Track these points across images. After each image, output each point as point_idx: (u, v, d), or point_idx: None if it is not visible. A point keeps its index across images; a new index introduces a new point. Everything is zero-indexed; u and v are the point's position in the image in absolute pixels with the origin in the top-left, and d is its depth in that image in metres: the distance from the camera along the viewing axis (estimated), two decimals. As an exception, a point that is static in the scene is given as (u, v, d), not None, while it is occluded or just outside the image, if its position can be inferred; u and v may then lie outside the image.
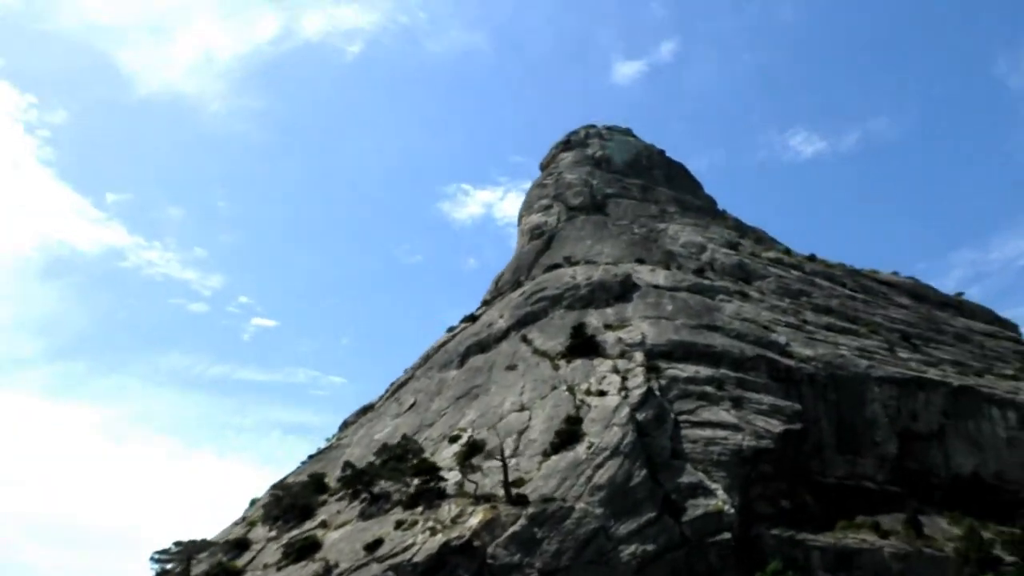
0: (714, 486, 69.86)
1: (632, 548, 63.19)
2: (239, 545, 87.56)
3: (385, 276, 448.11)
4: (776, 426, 77.12)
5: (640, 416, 75.35)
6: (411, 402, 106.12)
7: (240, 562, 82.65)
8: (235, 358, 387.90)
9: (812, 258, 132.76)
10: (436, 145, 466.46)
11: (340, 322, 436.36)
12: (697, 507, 67.59)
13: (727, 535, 65.68)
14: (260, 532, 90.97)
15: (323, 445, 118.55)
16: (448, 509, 69.18)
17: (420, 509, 71.02)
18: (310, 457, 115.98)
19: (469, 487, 72.18)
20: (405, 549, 63.79)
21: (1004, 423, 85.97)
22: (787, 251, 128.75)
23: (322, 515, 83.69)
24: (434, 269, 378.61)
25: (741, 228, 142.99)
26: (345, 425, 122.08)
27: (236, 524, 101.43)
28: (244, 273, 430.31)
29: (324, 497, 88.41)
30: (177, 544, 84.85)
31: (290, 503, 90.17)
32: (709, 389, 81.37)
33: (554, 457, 73.22)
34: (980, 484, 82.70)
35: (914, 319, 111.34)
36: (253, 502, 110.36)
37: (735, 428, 75.51)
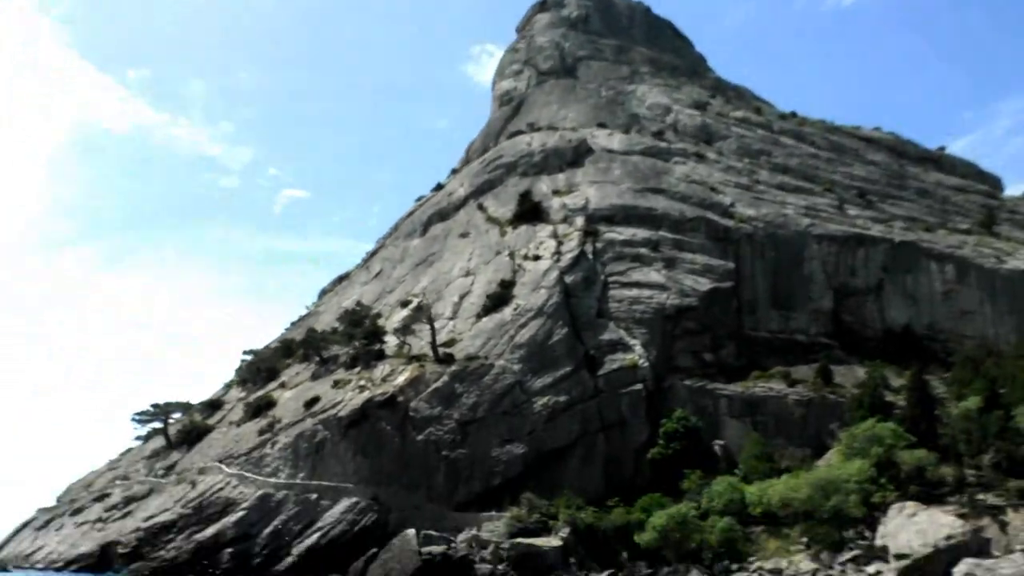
0: (633, 342, 73.51)
1: (545, 399, 67.78)
2: (213, 405, 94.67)
3: (413, 142, 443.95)
4: (704, 284, 79.67)
5: (569, 279, 78.31)
6: (378, 270, 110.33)
7: (212, 420, 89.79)
8: (269, 229, 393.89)
9: (789, 116, 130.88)
10: (457, 4, 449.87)
11: (370, 190, 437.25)
12: (614, 362, 71.58)
13: (639, 386, 69.89)
14: (234, 394, 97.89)
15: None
16: (382, 369, 74.10)
17: (358, 369, 76.12)
18: (292, 324, 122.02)
19: (407, 348, 76.83)
20: (335, 405, 69.16)
21: (941, 277, 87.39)
22: (758, 110, 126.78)
23: (284, 377, 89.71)
24: (460, 132, 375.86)
25: (720, 87, 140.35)
26: (323, 293, 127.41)
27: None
28: (272, 145, 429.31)
29: (289, 361, 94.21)
30: (154, 406, 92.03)
31: (259, 367, 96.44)
32: (644, 251, 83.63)
33: (484, 319, 77.16)
34: (912, 336, 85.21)
35: (878, 175, 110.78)
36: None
37: (661, 288, 78.25)
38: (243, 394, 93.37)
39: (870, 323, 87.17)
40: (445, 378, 68.92)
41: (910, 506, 48.23)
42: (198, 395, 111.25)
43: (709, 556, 55.87)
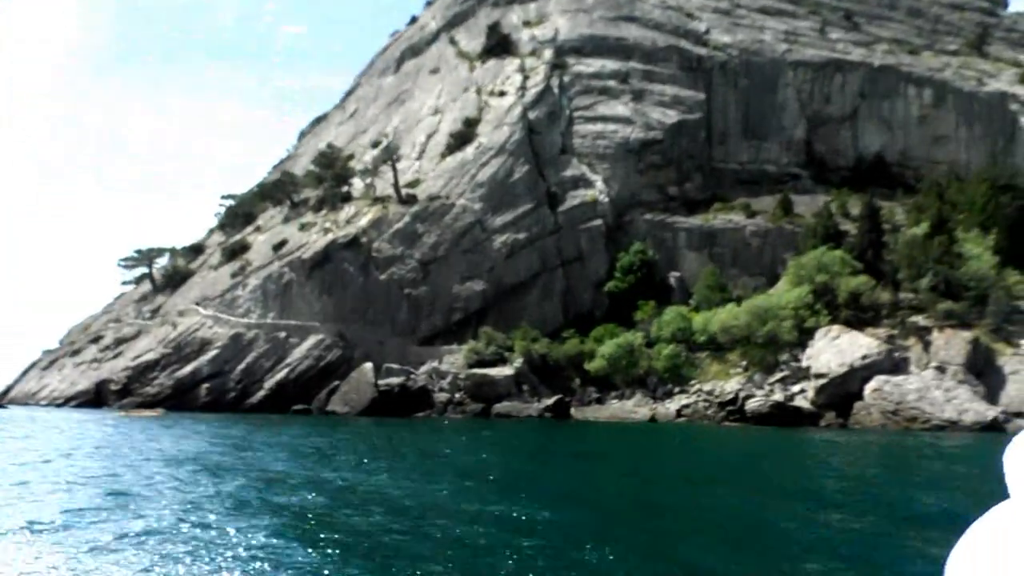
0: (595, 178, 73.71)
1: (504, 237, 69.08)
2: (195, 250, 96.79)
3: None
4: (672, 117, 78.58)
5: (532, 115, 77.36)
6: (353, 110, 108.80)
7: (194, 264, 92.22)
8: (269, 67, 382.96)
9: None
10: None
11: (369, 22, 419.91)
12: (575, 198, 72.17)
13: (599, 222, 70.85)
14: (215, 238, 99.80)
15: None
16: (347, 211, 75.12)
17: (324, 212, 77.19)
18: (274, 167, 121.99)
19: (372, 190, 77.45)
20: (300, 248, 70.84)
21: (919, 101, 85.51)
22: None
23: (260, 221, 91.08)
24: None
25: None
26: (302, 135, 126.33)
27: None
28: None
29: (265, 205, 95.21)
30: (138, 251, 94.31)
31: (236, 212, 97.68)
32: (612, 83, 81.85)
33: (448, 159, 77.08)
34: (883, 164, 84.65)
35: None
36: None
37: (627, 121, 77.33)
38: (223, 238, 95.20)
39: (843, 152, 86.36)
40: (407, 218, 70.01)
41: (835, 329, 50.24)
42: (190, 240, 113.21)
43: (654, 381, 59.08)
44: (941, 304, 53.09)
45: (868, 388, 44.59)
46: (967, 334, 49.86)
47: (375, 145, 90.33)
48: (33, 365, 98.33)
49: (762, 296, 58.52)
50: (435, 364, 62.99)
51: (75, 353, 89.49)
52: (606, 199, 71.47)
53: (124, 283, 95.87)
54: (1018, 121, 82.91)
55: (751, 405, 46.69)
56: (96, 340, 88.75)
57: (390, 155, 75.38)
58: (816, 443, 36.85)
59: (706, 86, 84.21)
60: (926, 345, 50.76)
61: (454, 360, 62.96)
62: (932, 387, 43.88)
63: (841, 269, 58.83)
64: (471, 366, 61.67)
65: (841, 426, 44.87)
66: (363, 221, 70.94)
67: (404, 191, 73.69)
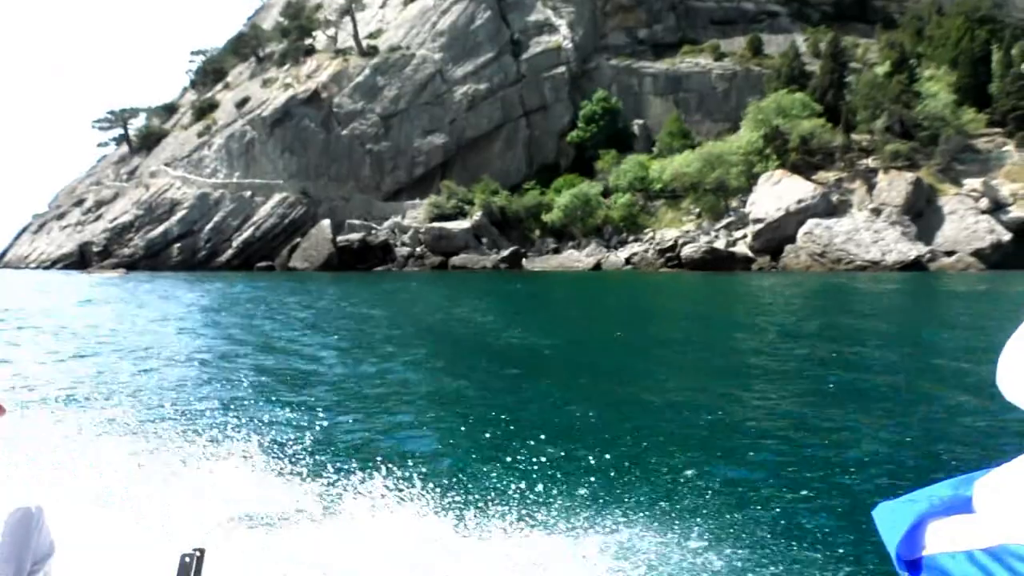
0: (559, 22, 71.55)
1: (465, 88, 68.16)
2: (169, 109, 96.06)
3: None
4: (638, -46, 74.98)
5: (495, -44, 74.05)
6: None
7: (168, 124, 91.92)
8: None
9: None
10: None
11: None
12: (539, 44, 70.45)
13: (562, 69, 69.51)
14: (189, 97, 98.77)
15: None
16: (309, 66, 73.84)
17: (287, 67, 75.90)
18: (248, 20, 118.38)
19: (333, 42, 75.72)
20: (261, 105, 70.36)
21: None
22: None
23: (229, 78, 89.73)
24: None
25: None
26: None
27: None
28: None
29: (235, 61, 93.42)
30: (111, 112, 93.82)
31: (207, 68, 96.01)
32: (580, -82, 77.54)
33: (410, 6, 74.72)
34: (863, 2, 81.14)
35: None
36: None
37: (593, -40, 73.96)
38: (195, 96, 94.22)
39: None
40: (367, 72, 68.96)
41: (777, 174, 50.47)
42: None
43: (609, 231, 60.09)
44: (890, 145, 52.87)
45: (801, 231, 45.41)
46: (910, 175, 49.99)
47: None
48: (25, 229, 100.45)
49: (711, 143, 58.29)
50: (398, 219, 64.09)
51: (61, 217, 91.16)
52: (570, 45, 69.75)
53: (99, 145, 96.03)
54: (1010, -54, 78.40)
55: (686, 251, 47.88)
56: (79, 203, 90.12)
57: (350, 3, 73.11)
58: (738, 285, 38.18)
59: (681, -82, 79.64)
60: (871, 187, 51.04)
61: (416, 215, 63.98)
62: (862, 229, 44.66)
63: (800, 112, 58.14)
64: (432, 220, 62.74)
65: (772, 269, 46.09)
66: (323, 76, 69.99)
67: (366, 43, 72.10)
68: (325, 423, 7.94)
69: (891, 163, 51.79)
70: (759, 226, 47.74)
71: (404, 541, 5.15)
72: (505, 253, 58.14)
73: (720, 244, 49.42)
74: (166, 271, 63.43)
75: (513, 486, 6.37)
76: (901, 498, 0.78)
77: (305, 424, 7.24)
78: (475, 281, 46.45)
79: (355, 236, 60.48)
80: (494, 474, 6.74)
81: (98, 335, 20.20)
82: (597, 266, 54.05)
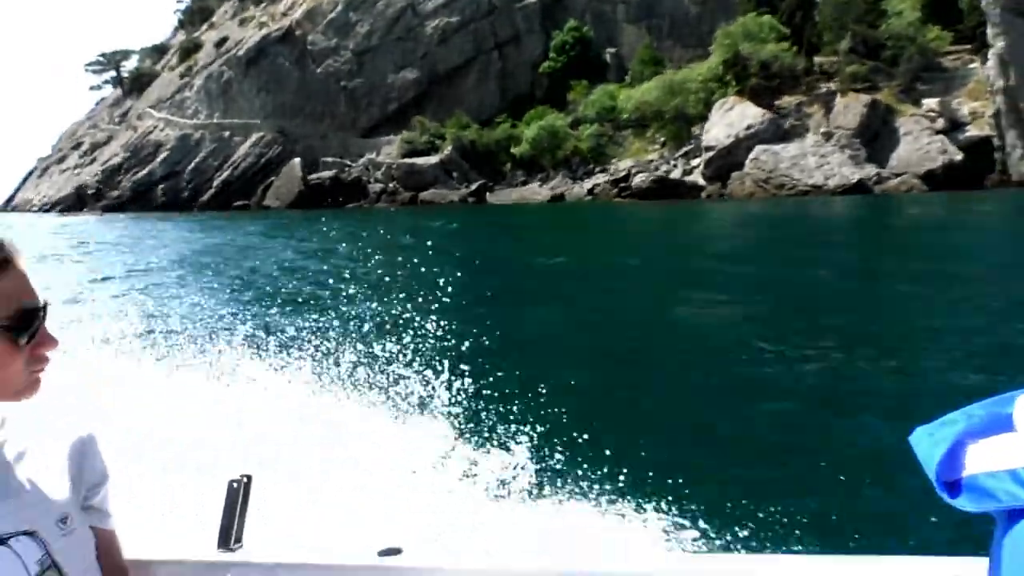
0: (532, -50, 70.63)
1: (437, 21, 68.20)
2: (159, 50, 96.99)
3: None
4: None
5: None
6: None
7: (159, 66, 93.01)
8: None
9: None
10: None
11: None
12: (511, -26, 69.82)
13: (534, -1, 69.07)
14: (179, 38, 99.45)
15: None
16: (285, 3, 74.10)
17: (264, 5, 76.17)
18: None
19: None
20: (236, 44, 71.08)
21: None
22: None
23: (215, 17, 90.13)
24: None
25: None
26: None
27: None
28: None
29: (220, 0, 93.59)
30: (102, 55, 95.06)
31: (193, 8, 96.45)
32: None
33: (382, -62, 74.10)
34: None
35: None
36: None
37: None
38: (182, 37, 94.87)
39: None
40: (339, 7, 69.16)
41: (731, 101, 50.63)
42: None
43: (577, 162, 60.73)
44: (851, 67, 52.54)
45: (749, 158, 45.91)
46: (867, 98, 49.86)
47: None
48: (31, 173, 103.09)
49: (672, 71, 58.22)
50: (373, 156, 65.20)
51: (61, 160, 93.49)
52: (542, -25, 69.12)
53: (92, 88, 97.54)
54: None
55: (636, 181, 48.64)
56: (77, 147, 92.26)
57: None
58: (672, 212, 39.15)
59: None
60: (828, 111, 51.03)
61: (391, 151, 65.02)
62: (809, 154, 45.03)
63: (768, 35, 57.63)
64: (405, 156, 63.79)
65: (720, 196, 46.79)
66: (297, 13, 70.33)
67: (338, -23, 71.97)
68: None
69: (851, 85, 51.54)
70: (710, 154, 48.22)
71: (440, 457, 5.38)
72: (472, 187, 59.22)
73: (676, 173, 50.06)
74: (153, 211, 65.48)
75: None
76: (937, 421, 0.76)
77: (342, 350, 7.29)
78: (423, 217, 47.49)
79: (327, 174, 61.86)
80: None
81: None
82: (559, 198, 54.99)
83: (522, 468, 5.36)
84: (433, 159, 61.71)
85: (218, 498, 1.70)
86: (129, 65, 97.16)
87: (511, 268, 21.96)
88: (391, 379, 6.62)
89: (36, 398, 1.23)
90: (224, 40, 74.23)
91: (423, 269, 14.16)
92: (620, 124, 61.10)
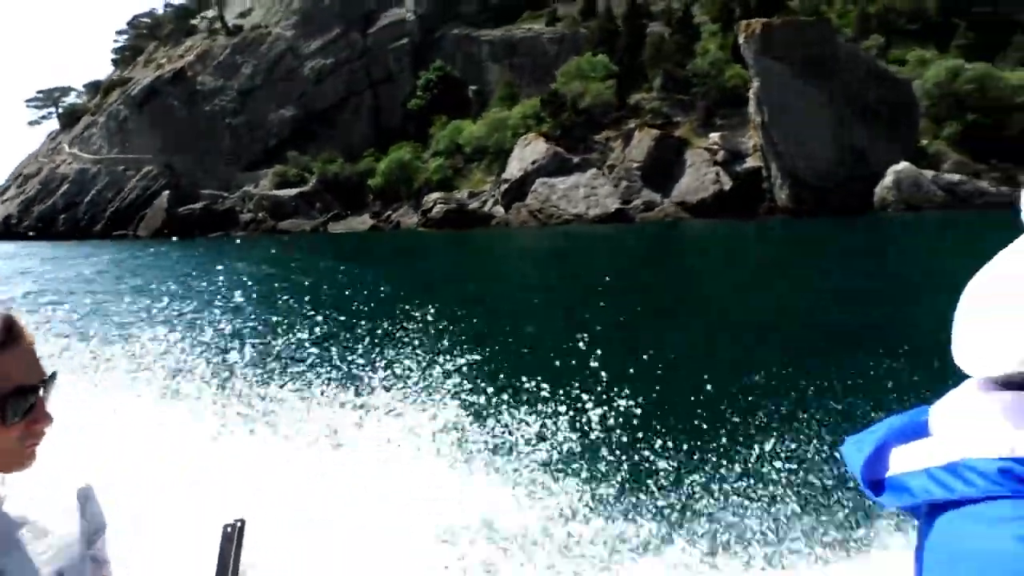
0: (406, -5, 76.23)
1: (314, 63, 73.79)
2: (95, 87, 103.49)
3: None
4: (487, -76, 78.73)
5: (351, -68, 78.72)
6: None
7: (93, 103, 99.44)
8: None
9: None
10: None
11: None
12: (387, 18, 75.45)
13: (405, 41, 74.50)
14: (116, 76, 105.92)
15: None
16: (186, 45, 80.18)
17: (169, 47, 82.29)
18: None
19: (204, 22, 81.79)
20: (135, 84, 77.08)
21: None
22: None
23: (142, 57, 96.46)
24: None
25: None
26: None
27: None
28: None
29: (147, 41, 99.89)
30: (40, 92, 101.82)
31: (126, 48, 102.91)
32: None
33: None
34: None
35: None
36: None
37: (442, -68, 78.07)
38: (118, 74, 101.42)
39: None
40: (228, 51, 75.00)
41: (530, 137, 55.44)
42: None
43: (427, 192, 65.68)
44: (653, 104, 57.28)
45: (530, 189, 50.63)
46: (656, 132, 54.47)
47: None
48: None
49: (496, 111, 63.20)
50: (249, 188, 70.62)
51: (4, 190, 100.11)
52: (413, 17, 74.56)
53: (30, 123, 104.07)
54: None
55: (434, 212, 53.53)
56: (18, 177, 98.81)
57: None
58: (444, 240, 43.87)
59: None
60: (628, 143, 55.68)
61: (265, 184, 70.42)
62: (582, 186, 49.65)
63: (599, 74, 62.52)
64: (277, 188, 69.15)
65: (506, 225, 51.54)
66: (191, 56, 76.24)
67: (233, 23, 77.98)
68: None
69: (653, 121, 56.21)
70: (506, 186, 53.03)
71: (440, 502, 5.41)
72: (321, 218, 64.40)
73: (477, 204, 54.91)
74: (53, 240, 71.21)
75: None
76: (864, 431, 0.85)
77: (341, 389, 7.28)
78: (254, 245, 52.33)
79: (198, 205, 67.30)
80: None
81: None
82: (377, 228, 60.01)
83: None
84: (294, 191, 66.99)
85: (212, 543, 1.66)
86: (69, 101, 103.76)
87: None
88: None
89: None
90: (128, 80, 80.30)
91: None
92: (467, 156, 66.05)
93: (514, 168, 53.43)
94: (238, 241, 60.04)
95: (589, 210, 48.03)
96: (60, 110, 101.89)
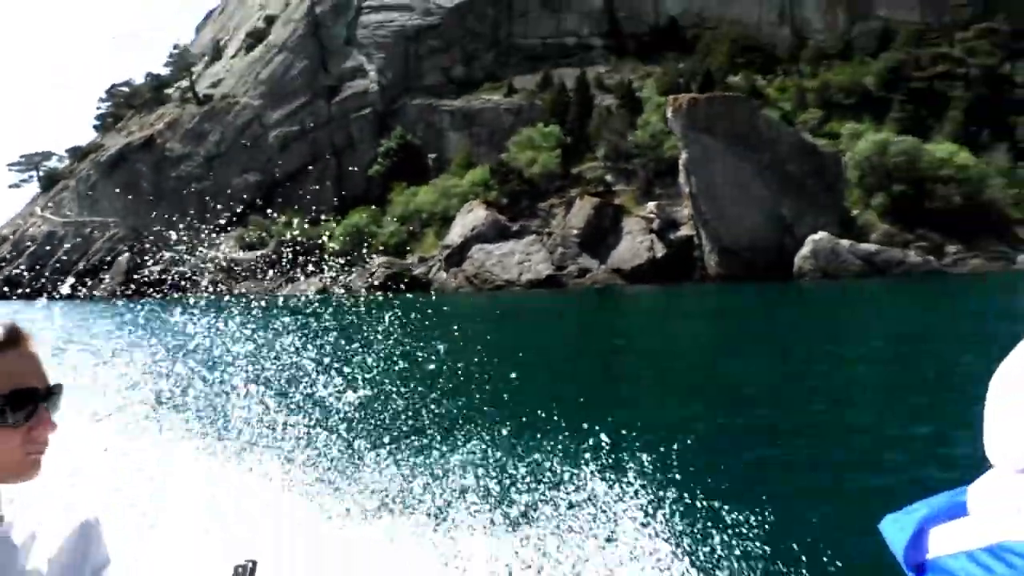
0: (370, 68, 79.27)
1: (278, 131, 76.29)
2: (75, 152, 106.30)
3: None
4: (448, 1, 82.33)
5: (319, 9, 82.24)
6: (221, 7, 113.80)
7: (72, 167, 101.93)
8: None
9: None
10: None
11: None
12: (350, 88, 78.30)
13: (368, 110, 77.19)
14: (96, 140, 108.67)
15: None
16: (158, 113, 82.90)
17: (143, 115, 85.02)
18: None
19: (178, 92, 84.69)
20: (101, 150, 79.48)
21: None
22: None
23: (120, 124, 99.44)
24: None
25: None
26: (199, 28, 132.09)
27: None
28: None
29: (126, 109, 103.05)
30: (23, 156, 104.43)
31: (105, 116, 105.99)
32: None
33: (244, 58, 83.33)
34: (676, 29, 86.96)
35: None
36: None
37: (406, 8, 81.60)
38: (96, 140, 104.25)
39: (644, 18, 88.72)
40: (197, 119, 77.60)
41: (473, 204, 57.29)
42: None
43: (383, 255, 67.24)
44: (596, 172, 59.34)
45: (468, 254, 52.17)
46: (595, 200, 56.30)
47: (218, 48, 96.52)
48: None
49: (444, 177, 65.30)
50: (213, 251, 72.22)
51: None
52: (376, 88, 77.36)
53: (11, 186, 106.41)
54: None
55: (376, 275, 54.96)
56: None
57: (184, 60, 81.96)
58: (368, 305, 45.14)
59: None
60: (568, 211, 57.45)
61: (226, 247, 72.09)
62: (517, 252, 51.19)
63: (550, 143, 64.80)
64: (242, 249, 70.78)
65: (442, 290, 52.92)
66: (160, 124, 78.83)
67: (204, 92, 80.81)
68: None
69: (595, 189, 58.16)
70: (448, 251, 54.61)
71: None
72: (280, 281, 65.81)
73: (424, 268, 56.38)
74: (14, 300, 72.59)
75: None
76: (903, 510, 0.86)
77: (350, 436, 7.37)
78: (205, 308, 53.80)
79: (156, 268, 68.78)
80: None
81: None
82: (321, 291, 61.23)
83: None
84: (252, 255, 68.59)
85: None
86: (50, 165, 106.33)
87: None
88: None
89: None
90: (101, 146, 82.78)
91: None
92: (424, 222, 67.84)
93: (455, 234, 55.08)
94: (191, 301, 61.41)
95: (522, 275, 49.46)
96: (41, 174, 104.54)
